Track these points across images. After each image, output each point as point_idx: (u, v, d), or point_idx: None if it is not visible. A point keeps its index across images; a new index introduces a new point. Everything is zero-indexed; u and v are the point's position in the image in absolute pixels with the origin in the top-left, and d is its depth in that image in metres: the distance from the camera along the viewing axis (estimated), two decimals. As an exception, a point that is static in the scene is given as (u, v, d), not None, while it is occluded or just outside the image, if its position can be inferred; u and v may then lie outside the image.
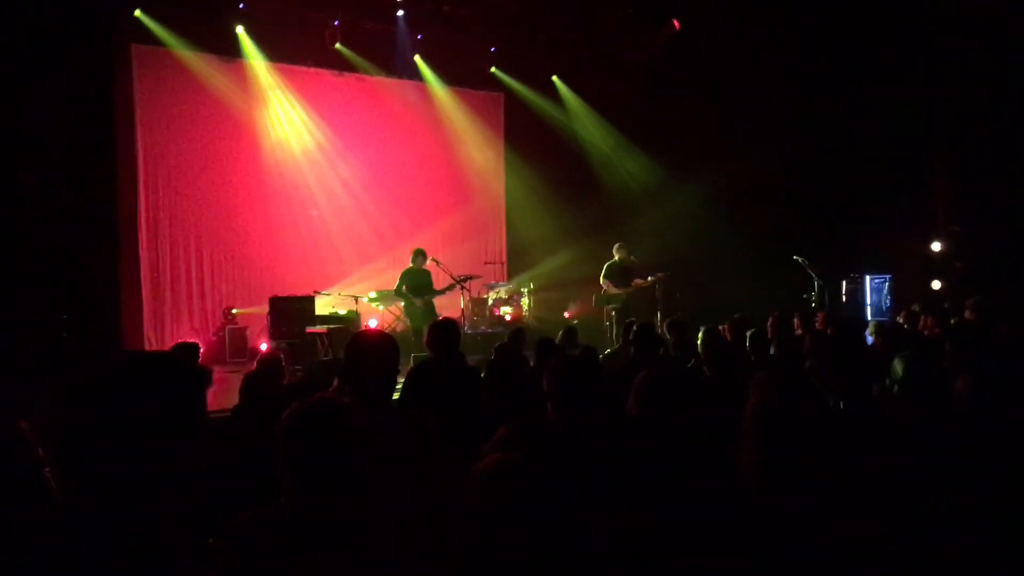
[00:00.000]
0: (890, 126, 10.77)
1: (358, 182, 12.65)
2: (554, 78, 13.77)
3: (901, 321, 7.55)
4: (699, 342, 5.22)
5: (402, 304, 10.02)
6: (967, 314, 7.05)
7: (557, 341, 6.18)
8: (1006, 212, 10.43)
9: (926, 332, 7.00)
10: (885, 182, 11.20)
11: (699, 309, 10.12)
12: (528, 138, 13.61)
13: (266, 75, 11.77)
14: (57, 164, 9.14)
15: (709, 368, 4.61)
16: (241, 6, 11.02)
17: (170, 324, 11.03)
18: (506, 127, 14.17)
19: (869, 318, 10.43)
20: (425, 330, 4.61)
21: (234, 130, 11.64)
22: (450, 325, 4.56)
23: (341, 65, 12.22)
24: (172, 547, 1.36)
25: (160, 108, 11.00)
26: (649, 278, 10.46)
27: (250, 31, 11.29)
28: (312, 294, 10.08)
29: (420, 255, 9.55)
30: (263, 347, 9.88)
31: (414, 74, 12.94)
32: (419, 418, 2.78)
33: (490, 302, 12.55)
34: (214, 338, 11.14)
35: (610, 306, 10.24)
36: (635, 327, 5.74)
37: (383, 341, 2.85)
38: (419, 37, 12.44)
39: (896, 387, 3.09)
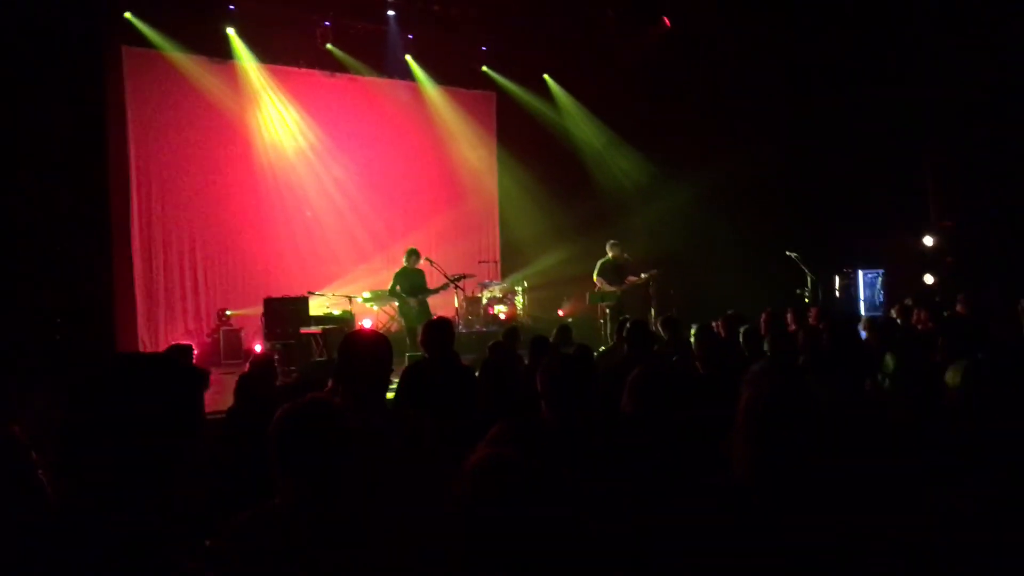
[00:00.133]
0: (882, 123, 10.82)
1: (351, 182, 12.64)
2: (545, 76, 13.76)
3: (895, 315, 7.59)
4: (692, 339, 5.22)
5: (396, 304, 10.01)
6: (958, 308, 7.10)
7: (551, 339, 6.18)
8: (997, 208, 10.50)
9: (919, 326, 7.04)
10: (877, 178, 11.26)
11: (692, 306, 10.15)
12: (520, 137, 13.61)
13: (257, 76, 11.75)
14: (49, 166, 9.08)
15: (702, 365, 4.62)
16: (231, 8, 10.99)
17: (164, 326, 11.03)
18: (498, 126, 14.16)
19: (862, 313, 10.48)
20: (420, 329, 4.61)
21: (226, 131, 11.62)
22: (444, 324, 4.55)
23: (333, 65, 12.20)
24: (170, 547, 1.37)
25: (152, 110, 10.98)
26: (643, 275, 10.45)
27: (241, 32, 11.26)
28: (306, 295, 10.04)
29: (414, 255, 9.54)
30: (258, 348, 9.87)
31: (406, 74, 12.94)
32: (413, 417, 2.77)
33: (484, 301, 12.54)
34: (208, 340, 11.13)
35: (604, 304, 10.25)
36: (628, 324, 5.74)
37: (377, 341, 2.85)
38: (410, 37, 12.44)
39: (888, 381, 3.11)
